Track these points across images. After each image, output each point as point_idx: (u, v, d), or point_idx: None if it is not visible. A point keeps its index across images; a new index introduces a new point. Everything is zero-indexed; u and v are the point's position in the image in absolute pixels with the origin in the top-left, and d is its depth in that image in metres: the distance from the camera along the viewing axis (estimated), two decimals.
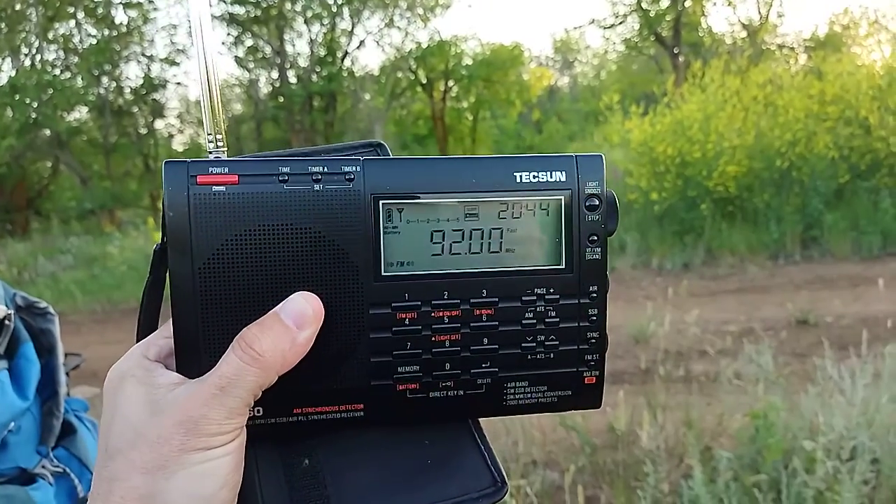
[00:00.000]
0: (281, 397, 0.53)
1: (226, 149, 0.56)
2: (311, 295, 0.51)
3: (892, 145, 7.15)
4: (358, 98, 19.93)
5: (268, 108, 18.88)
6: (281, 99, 18.99)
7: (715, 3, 23.51)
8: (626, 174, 8.93)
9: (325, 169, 0.53)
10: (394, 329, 0.55)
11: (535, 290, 0.57)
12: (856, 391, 2.85)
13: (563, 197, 0.57)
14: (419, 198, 0.55)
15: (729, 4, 19.78)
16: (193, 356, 0.51)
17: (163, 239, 0.53)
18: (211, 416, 0.46)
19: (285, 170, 0.52)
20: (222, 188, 0.51)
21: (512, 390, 0.58)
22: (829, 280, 6.64)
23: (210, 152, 0.55)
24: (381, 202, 0.54)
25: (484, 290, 0.56)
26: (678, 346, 4.92)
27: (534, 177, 0.57)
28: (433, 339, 0.56)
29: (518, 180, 0.57)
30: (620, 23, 21.11)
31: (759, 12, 19.64)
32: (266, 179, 0.52)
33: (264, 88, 20.22)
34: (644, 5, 19.56)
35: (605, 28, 21.82)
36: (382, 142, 0.64)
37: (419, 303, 0.55)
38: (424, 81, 21.86)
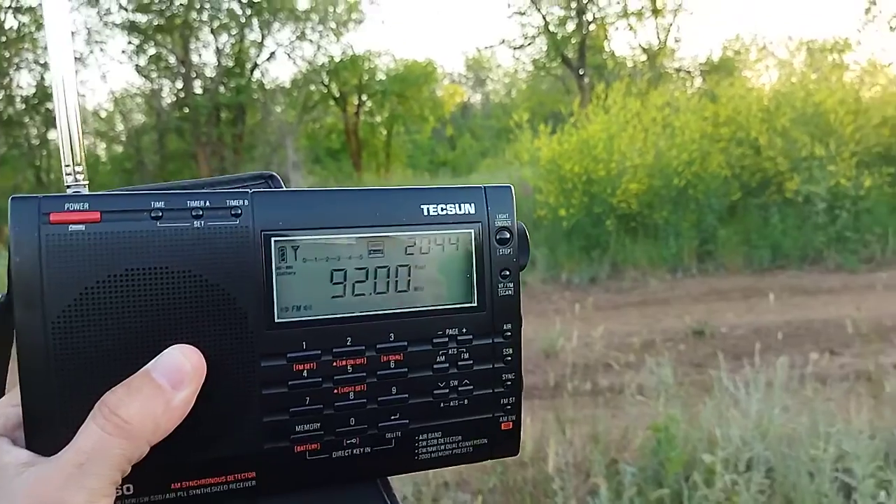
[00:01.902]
0: (155, 471, 0.46)
1: (86, 182, 0.50)
2: (190, 348, 0.45)
3: (779, 164, 7.66)
4: (268, 111, 19.51)
5: (171, 119, 18.16)
6: (186, 110, 18.32)
7: (617, 28, 24.63)
8: (536, 191, 9.15)
9: (207, 203, 0.48)
10: (290, 383, 0.50)
11: (447, 330, 0.54)
12: (750, 403, 3.00)
13: (473, 230, 0.54)
14: (317, 234, 0.50)
15: (630, 29, 20.76)
16: (46, 429, 0.44)
17: (8, 289, 0.45)
18: (69, 502, 0.39)
19: (159, 205, 0.46)
20: (81, 227, 0.44)
21: (424, 443, 0.54)
22: (723, 292, 7.01)
23: (67, 186, 0.49)
24: (272, 239, 0.49)
25: (391, 334, 0.52)
26: (586, 359, 5.05)
27: (442, 209, 0.54)
28: (335, 391, 0.51)
29: (426, 213, 0.53)
30: (529, 44, 21.72)
31: (658, 37, 20.72)
32: (135, 216, 0.46)
33: (168, 98, 19.46)
34: (551, 28, 20.22)
35: (514, 48, 22.39)
36: (274, 173, 0.58)
37: (319, 351, 0.50)
38: (337, 95, 21.69)
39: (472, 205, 0.55)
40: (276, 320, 0.49)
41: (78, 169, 0.49)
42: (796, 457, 2.49)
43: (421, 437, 0.54)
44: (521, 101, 27.55)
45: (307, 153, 21.86)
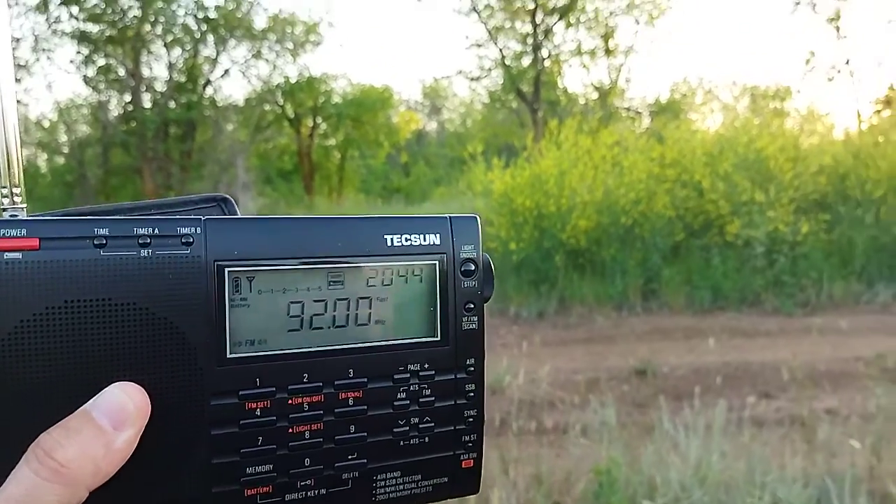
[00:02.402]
0: None
1: (24, 205, 0.47)
2: (133, 386, 0.43)
3: (721, 208, 7.91)
4: (219, 128, 19.20)
5: (117, 133, 17.68)
6: (133, 124, 17.87)
7: (571, 66, 25.25)
8: (487, 223, 9.21)
9: (156, 231, 0.45)
10: (241, 422, 0.47)
11: (409, 366, 0.52)
12: (690, 447, 3.03)
13: (437, 262, 0.53)
14: (274, 264, 0.48)
15: (583, 67, 21.33)
16: None
17: None
18: None
19: (103, 231, 0.44)
20: (17, 255, 0.41)
21: (382, 482, 0.52)
22: (666, 331, 7.14)
23: (3, 209, 0.46)
24: (226, 270, 0.46)
25: (350, 370, 0.50)
26: (532, 396, 5.04)
27: (406, 240, 0.52)
28: (290, 430, 0.49)
29: (389, 244, 0.52)
30: (485, 76, 22.08)
31: (610, 77, 21.33)
32: (77, 244, 0.43)
33: (115, 111, 18.96)
34: (507, 62, 20.61)
35: (471, 80, 22.71)
36: (228, 196, 0.55)
37: (273, 388, 0.48)
38: (292, 116, 21.53)
39: (438, 235, 0.53)
40: (228, 356, 0.47)
41: (16, 191, 0.46)
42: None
43: (379, 477, 0.52)
44: (476, 132, 27.81)
45: (258, 173, 21.57)
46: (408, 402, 0.52)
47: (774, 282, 7.54)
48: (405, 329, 0.52)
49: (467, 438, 0.55)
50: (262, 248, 0.48)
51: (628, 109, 21.73)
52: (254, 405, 0.47)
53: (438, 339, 0.53)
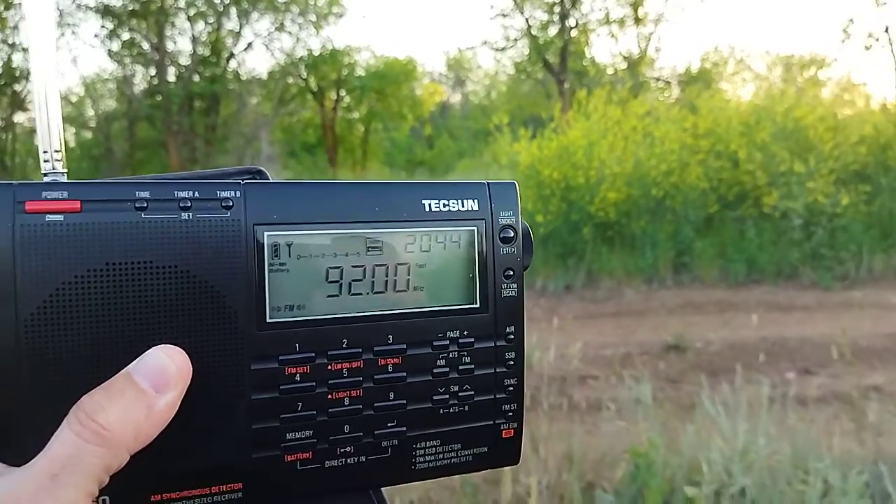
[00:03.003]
0: (135, 482, 0.43)
1: (65, 170, 0.47)
2: (174, 349, 0.43)
3: (758, 179, 7.64)
4: (243, 102, 19.14)
5: (143, 107, 17.70)
6: (158, 97, 17.88)
7: (599, 35, 24.68)
8: None
9: (196, 194, 0.45)
10: (281, 387, 0.47)
11: (448, 333, 0.52)
12: (731, 429, 2.89)
13: (476, 228, 0.53)
14: (312, 229, 0.48)
15: (612, 36, 20.82)
16: (17, 436, 0.41)
17: None
18: None
19: (144, 194, 0.44)
20: (59, 217, 0.42)
21: (422, 451, 0.52)
22: (698, 305, 6.96)
23: (45, 173, 0.46)
24: (265, 234, 0.46)
25: (390, 336, 0.50)
26: (562, 372, 4.93)
27: (444, 205, 0.52)
28: (330, 396, 0.48)
29: (427, 209, 0.51)
30: (511, 46, 21.66)
31: (639, 46, 20.79)
32: (118, 206, 0.43)
33: (140, 85, 18.97)
34: (533, 32, 20.17)
35: (496, 50, 22.33)
36: (262, 168, 0.55)
37: (313, 354, 0.48)
38: (315, 89, 21.40)
39: (476, 201, 0.53)
40: (268, 320, 0.47)
41: (56, 156, 0.46)
42: (782, 491, 2.38)
43: (419, 446, 0.52)
44: (500, 104, 27.50)
45: (282, 147, 21.52)
46: (447, 369, 0.52)
47: (812, 255, 7.29)
48: (444, 296, 0.52)
49: (507, 407, 0.54)
50: (300, 212, 0.47)
51: (658, 80, 21.20)
52: (294, 370, 0.47)
53: (477, 306, 0.53)
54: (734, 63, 23.78)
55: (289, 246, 0.47)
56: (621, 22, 20.26)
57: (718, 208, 8.04)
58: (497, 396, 0.54)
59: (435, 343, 0.51)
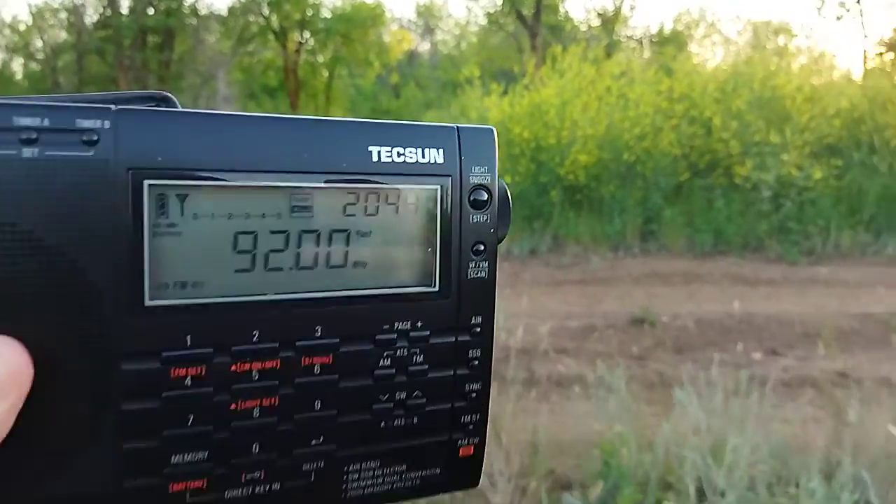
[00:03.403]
0: None
1: None
2: (7, 340, 0.32)
3: (731, 148, 7.46)
4: (200, 39, 18.16)
5: (93, 39, 16.63)
6: (109, 30, 16.82)
7: None
8: None
9: (46, 122, 0.33)
10: (165, 395, 0.36)
11: (396, 324, 0.41)
12: (704, 421, 2.71)
13: (439, 186, 0.42)
14: (216, 179, 0.36)
15: None
16: None
17: None
18: None
19: None
20: None
21: (355, 475, 0.41)
22: (664, 276, 6.82)
23: None
24: (146, 183, 0.35)
25: (318, 328, 0.39)
26: (526, 344, 4.73)
27: (399, 154, 0.40)
28: (233, 406, 0.38)
29: (376, 158, 0.40)
30: None
31: (614, 3, 20.34)
32: None
33: (92, 17, 17.82)
34: None
35: None
36: (170, 95, 0.40)
37: (210, 350, 0.37)
38: (277, 29, 20.43)
39: (441, 151, 0.41)
40: (147, 303, 0.35)
41: None
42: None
43: (351, 468, 0.41)
44: (471, 55, 26.92)
45: (242, 88, 20.63)
46: (392, 370, 0.42)
47: (779, 228, 7.20)
48: (392, 275, 0.41)
49: (467, 419, 0.44)
50: (200, 154, 0.36)
51: (630, 38, 20.84)
52: (182, 372, 0.36)
53: (436, 289, 0.42)
54: (705, 26, 23.57)
55: (181, 200, 0.36)
56: None
57: (689, 176, 7.87)
58: (455, 405, 0.44)
59: (378, 337, 0.41)
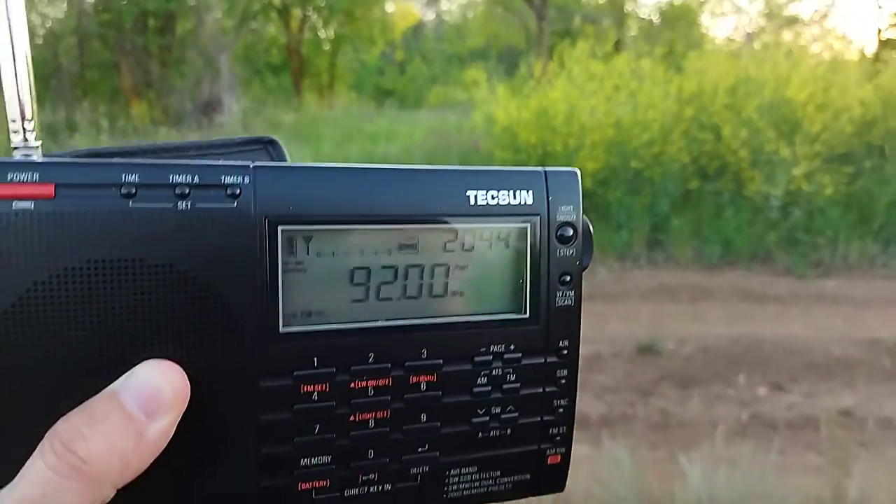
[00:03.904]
0: None
1: (39, 143, 0.39)
2: (169, 364, 0.37)
3: (741, 159, 7.36)
4: (201, 19, 17.88)
5: (93, 24, 16.40)
6: (110, 15, 16.54)
7: None
8: (486, 154, 8.67)
9: (196, 179, 0.39)
10: (296, 407, 0.42)
11: (491, 347, 0.47)
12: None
13: (529, 225, 0.47)
14: (335, 222, 0.42)
15: None
16: None
17: None
18: None
19: (132, 178, 0.37)
20: (29, 205, 0.35)
21: (455, 479, 0.47)
22: (672, 290, 6.82)
23: (15, 147, 0.39)
24: (279, 228, 0.41)
25: (424, 350, 0.45)
26: None
27: (492, 197, 0.46)
28: (352, 418, 0.43)
29: (472, 202, 0.45)
30: None
31: None
32: (101, 193, 0.37)
33: (92, 0, 17.51)
34: None
35: None
36: (275, 139, 0.48)
37: (333, 369, 0.43)
38: (280, 7, 20.07)
39: (530, 192, 0.47)
40: (281, 330, 0.41)
41: (28, 126, 0.38)
42: None
43: (452, 473, 0.47)
44: (476, 27, 26.48)
45: (245, 66, 20.36)
46: (489, 388, 0.47)
47: (788, 238, 7.15)
48: (488, 303, 0.47)
49: (555, 431, 0.50)
50: (321, 202, 0.41)
51: (640, 17, 20.40)
52: (310, 388, 0.42)
53: (527, 316, 0.48)
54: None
55: (307, 241, 0.42)
56: None
57: (698, 183, 7.79)
58: (544, 419, 0.49)
59: (476, 358, 0.47)
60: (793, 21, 23.01)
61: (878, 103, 8.05)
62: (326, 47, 22.16)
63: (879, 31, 19.33)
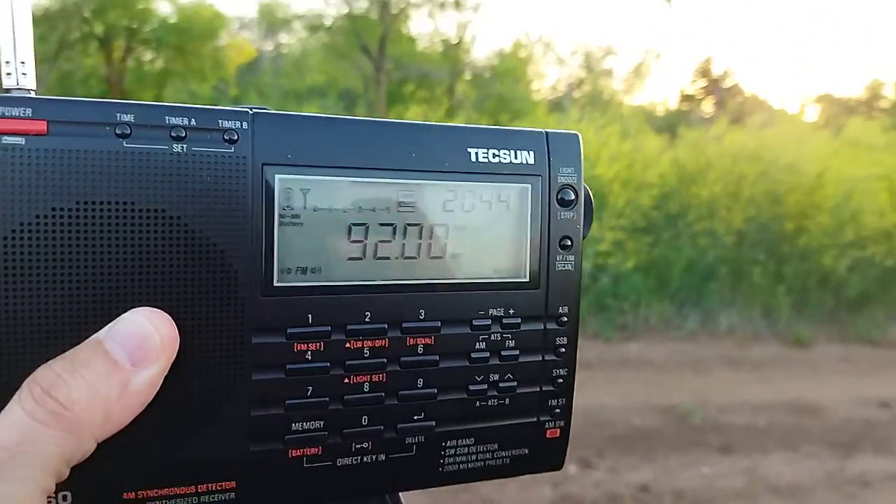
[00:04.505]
0: (103, 476, 0.36)
1: (33, 89, 0.39)
2: (158, 313, 0.36)
3: None
4: None
5: None
6: None
7: (418, 13, 24.38)
8: None
9: (193, 122, 0.38)
10: (288, 366, 0.41)
11: (490, 310, 0.46)
12: None
13: (530, 185, 0.46)
14: (334, 174, 0.41)
15: (430, 17, 20.60)
16: None
17: None
18: None
19: (127, 118, 0.37)
20: (19, 140, 0.34)
21: (452, 451, 0.46)
22: None
23: (7, 89, 0.38)
24: (277, 177, 0.40)
25: (421, 311, 0.44)
26: None
27: (494, 156, 0.45)
28: (346, 380, 0.42)
29: (473, 159, 0.45)
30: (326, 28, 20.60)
31: (456, 32, 20.81)
32: (95, 131, 0.36)
33: None
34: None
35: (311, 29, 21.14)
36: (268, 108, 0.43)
37: (328, 328, 0.41)
38: (102, 37, 18.77)
39: (532, 153, 0.47)
40: (275, 284, 0.40)
41: (23, 68, 0.38)
42: None
43: (448, 444, 0.46)
44: (316, 63, 26.46)
45: (60, 95, 18.71)
46: (487, 353, 0.46)
47: (597, 304, 7.78)
48: (487, 266, 0.46)
49: (554, 403, 0.49)
50: (320, 153, 0.41)
51: (474, 73, 21.42)
52: (304, 347, 0.41)
53: (527, 280, 0.47)
54: (542, 48, 24.76)
55: (304, 193, 0.40)
56: (441, 5, 20.08)
57: None
58: (543, 389, 0.48)
59: (474, 322, 0.46)
60: (608, 74, 25.27)
61: (674, 176, 9.04)
62: (153, 79, 20.98)
63: (682, 90, 21.85)
